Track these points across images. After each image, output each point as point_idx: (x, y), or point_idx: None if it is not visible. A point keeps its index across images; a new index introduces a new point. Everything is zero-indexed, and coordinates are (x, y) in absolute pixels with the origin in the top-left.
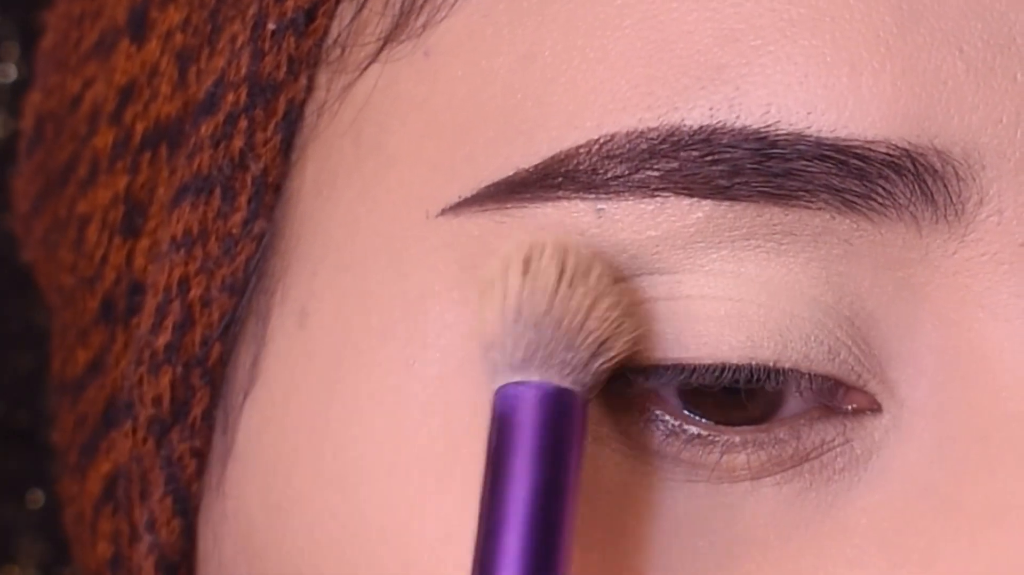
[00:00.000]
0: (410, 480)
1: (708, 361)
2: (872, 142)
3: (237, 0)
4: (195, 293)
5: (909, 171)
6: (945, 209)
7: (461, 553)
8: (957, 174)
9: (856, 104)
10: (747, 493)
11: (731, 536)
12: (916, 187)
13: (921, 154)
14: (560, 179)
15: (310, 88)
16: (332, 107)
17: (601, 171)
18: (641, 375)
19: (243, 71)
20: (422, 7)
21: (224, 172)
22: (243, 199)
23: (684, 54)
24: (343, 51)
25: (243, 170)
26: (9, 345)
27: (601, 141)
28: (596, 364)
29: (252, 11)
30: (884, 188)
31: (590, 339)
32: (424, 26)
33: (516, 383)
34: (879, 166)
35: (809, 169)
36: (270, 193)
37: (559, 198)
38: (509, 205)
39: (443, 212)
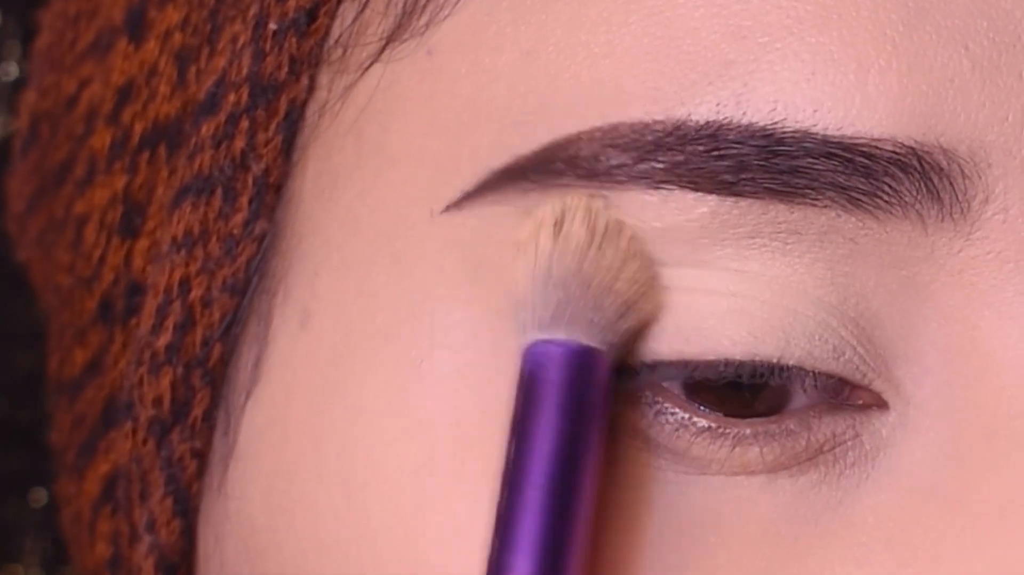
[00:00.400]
0: (417, 480)
1: (710, 356)
2: (878, 140)
3: (237, 0)
4: (196, 294)
5: (915, 169)
6: (951, 207)
7: (471, 553)
8: (963, 172)
9: (863, 102)
10: (763, 486)
11: (743, 531)
12: (922, 185)
13: (927, 152)
14: (561, 165)
15: (312, 88)
16: (334, 107)
17: (604, 159)
18: (646, 369)
19: (244, 71)
20: (425, 6)
21: (225, 172)
22: (244, 199)
23: (691, 50)
24: (345, 51)
25: (244, 170)
26: (10, 344)
27: (605, 129)
28: (623, 325)
29: (253, 11)
30: (890, 186)
31: (618, 300)
32: (427, 25)
33: (544, 341)
34: (885, 164)
35: (815, 167)
36: (271, 193)
37: (562, 185)
38: (510, 193)
39: (446, 208)
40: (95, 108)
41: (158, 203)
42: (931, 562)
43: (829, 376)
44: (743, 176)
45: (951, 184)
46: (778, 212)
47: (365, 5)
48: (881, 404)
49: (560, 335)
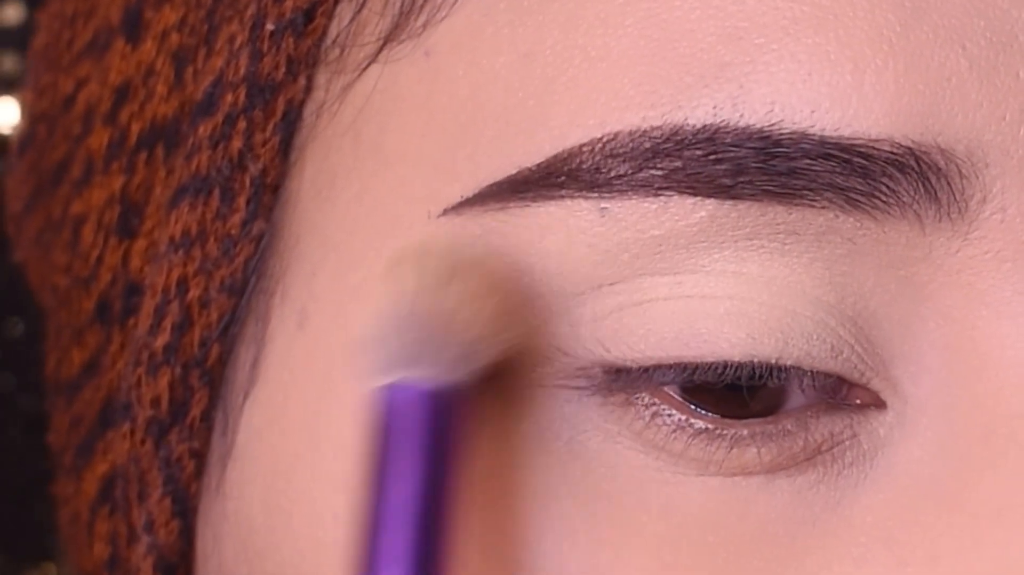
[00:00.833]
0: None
1: (709, 359)
2: (876, 140)
3: (234, 0)
4: (194, 294)
5: (913, 169)
6: (948, 207)
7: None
8: (960, 172)
9: (860, 102)
10: (761, 487)
11: (741, 532)
12: (920, 185)
13: (925, 152)
14: (563, 178)
15: (309, 89)
16: (331, 107)
17: (604, 170)
18: (644, 374)
19: (242, 72)
20: (422, 7)
21: (223, 173)
22: (242, 200)
23: (687, 52)
24: (342, 51)
25: (242, 171)
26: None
27: (604, 140)
28: (487, 358)
29: (250, 11)
30: (888, 186)
31: (480, 335)
32: (424, 26)
33: (401, 381)
34: (883, 164)
35: (813, 168)
36: (269, 194)
37: (562, 197)
38: (512, 204)
39: (445, 212)
40: (92, 108)
41: (156, 203)
42: (929, 561)
43: (827, 375)
44: (741, 179)
45: (949, 184)
46: (776, 213)
47: (362, 6)
48: (879, 403)
49: (414, 374)
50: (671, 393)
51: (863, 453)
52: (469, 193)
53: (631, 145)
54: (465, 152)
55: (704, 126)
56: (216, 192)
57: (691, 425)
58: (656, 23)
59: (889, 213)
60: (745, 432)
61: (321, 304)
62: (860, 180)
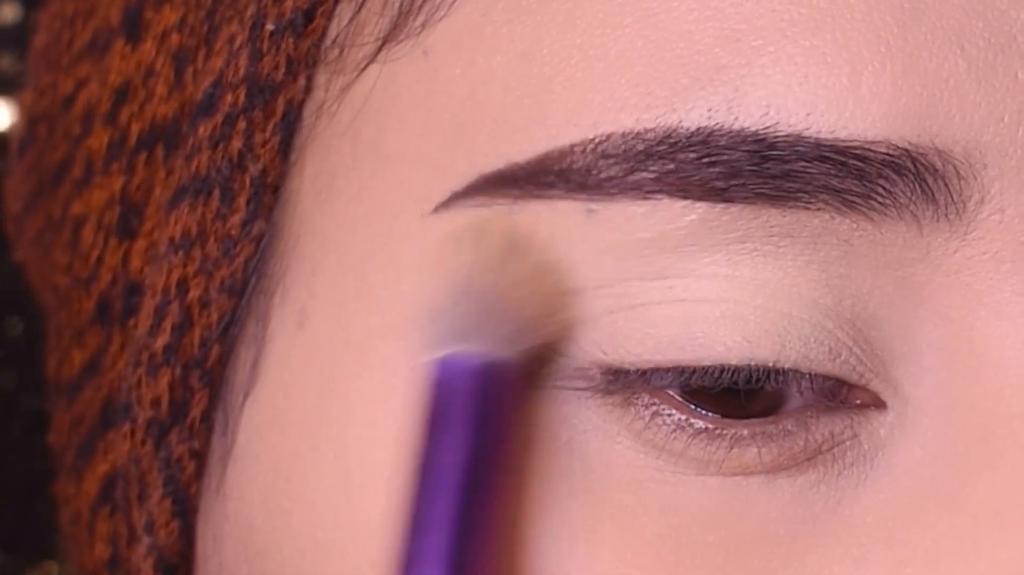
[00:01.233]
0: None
1: (706, 362)
2: (872, 142)
3: (234, 1)
4: (194, 294)
5: (910, 171)
6: (946, 208)
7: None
8: (958, 173)
9: (856, 104)
10: (762, 487)
11: (741, 531)
12: (917, 186)
13: (922, 154)
14: (552, 178)
15: (309, 89)
16: (331, 107)
17: (595, 171)
18: (641, 377)
19: (241, 72)
20: (421, 7)
21: (223, 173)
22: (242, 200)
23: (684, 54)
24: (342, 51)
25: (242, 171)
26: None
27: (597, 140)
28: (535, 339)
29: (250, 12)
30: (884, 188)
31: (532, 314)
32: (423, 25)
33: (454, 354)
34: (879, 166)
35: (808, 170)
36: (269, 194)
37: (550, 196)
38: (499, 199)
39: (436, 209)
40: (92, 108)
41: (156, 204)
42: (929, 561)
43: (826, 378)
44: (734, 182)
45: (946, 185)
46: (770, 216)
47: (361, 6)
48: (879, 404)
49: (472, 348)
50: (671, 393)
51: (863, 453)
52: (458, 188)
53: (624, 147)
54: (463, 151)
55: (698, 128)
56: (216, 192)
57: (691, 425)
58: (654, 24)
59: (886, 215)
60: (745, 432)
61: (321, 304)
62: (856, 182)
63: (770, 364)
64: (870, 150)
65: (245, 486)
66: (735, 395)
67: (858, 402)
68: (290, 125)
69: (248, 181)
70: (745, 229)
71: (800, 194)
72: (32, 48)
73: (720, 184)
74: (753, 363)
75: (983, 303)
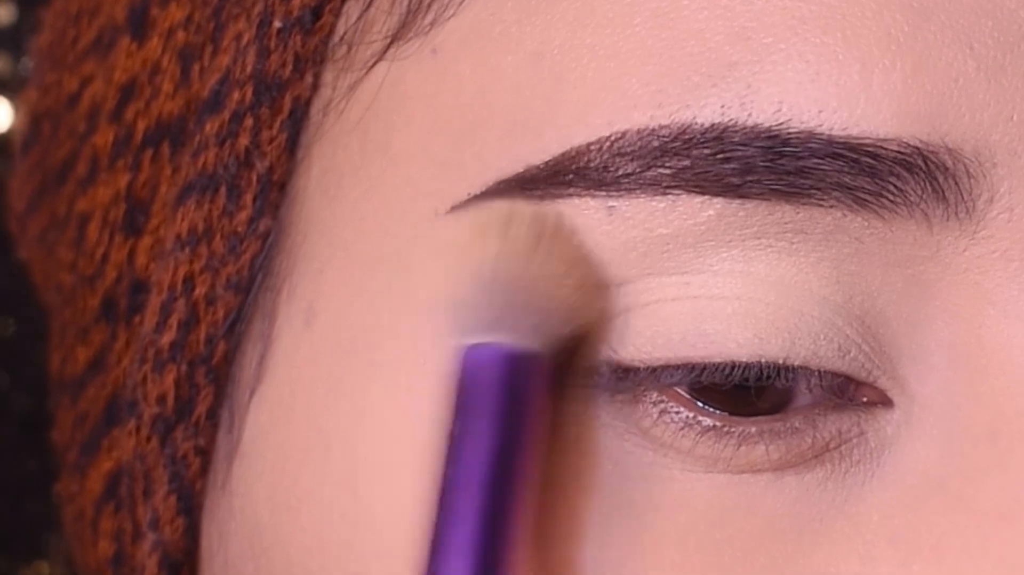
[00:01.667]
0: (422, 478)
1: (716, 359)
2: (883, 140)
3: None
4: (200, 291)
5: (920, 169)
6: (956, 206)
7: None
8: (968, 171)
9: (867, 102)
10: (769, 484)
11: (748, 528)
12: (927, 185)
13: (932, 152)
14: (571, 176)
15: (316, 86)
16: (338, 105)
17: (612, 168)
18: (651, 374)
19: (249, 69)
20: (430, 5)
21: (229, 170)
22: (248, 197)
23: (695, 52)
24: (350, 49)
25: (248, 168)
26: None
27: (612, 138)
28: (566, 330)
29: (258, 9)
30: (895, 186)
31: (560, 306)
32: (432, 24)
33: (484, 343)
34: (890, 164)
35: (821, 167)
36: (276, 191)
37: (570, 195)
38: (519, 200)
39: (452, 209)
40: (97, 106)
41: (161, 201)
42: (936, 559)
43: (835, 375)
44: (749, 178)
45: (956, 184)
46: (784, 212)
47: (370, 3)
48: (886, 402)
49: (500, 338)
50: (679, 390)
51: (870, 451)
52: (476, 191)
53: (639, 144)
54: (472, 150)
55: (712, 125)
56: (223, 189)
57: (699, 422)
58: (665, 22)
59: (896, 212)
60: (753, 429)
61: (328, 301)
62: (868, 179)
63: (780, 361)
64: (882, 147)
65: (251, 483)
66: (744, 392)
67: (865, 399)
68: (297, 122)
69: (255, 178)
70: (760, 225)
71: (813, 191)
72: (36, 46)
73: (735, 180)
74: (763, 360)
75: (991, 301)
